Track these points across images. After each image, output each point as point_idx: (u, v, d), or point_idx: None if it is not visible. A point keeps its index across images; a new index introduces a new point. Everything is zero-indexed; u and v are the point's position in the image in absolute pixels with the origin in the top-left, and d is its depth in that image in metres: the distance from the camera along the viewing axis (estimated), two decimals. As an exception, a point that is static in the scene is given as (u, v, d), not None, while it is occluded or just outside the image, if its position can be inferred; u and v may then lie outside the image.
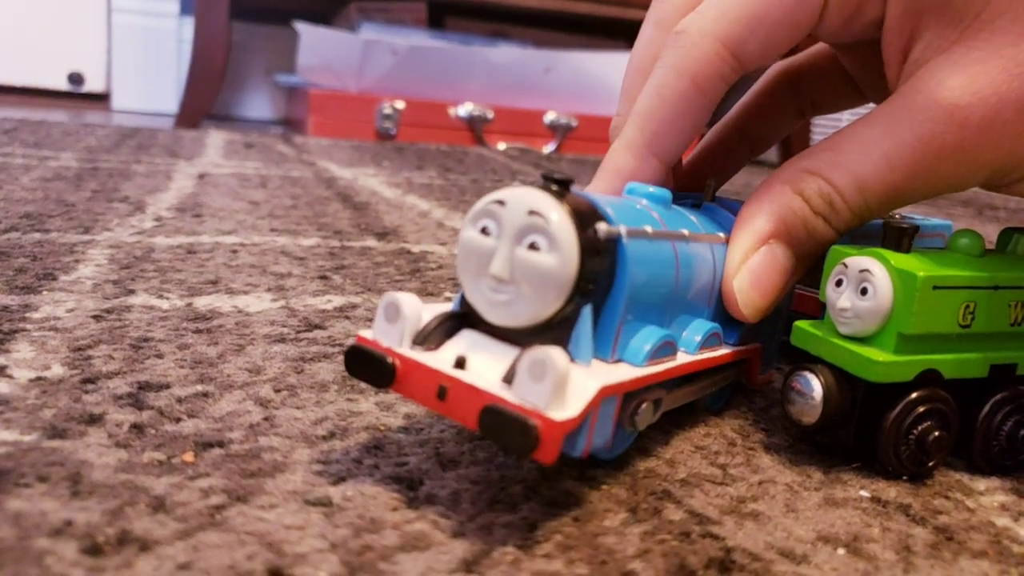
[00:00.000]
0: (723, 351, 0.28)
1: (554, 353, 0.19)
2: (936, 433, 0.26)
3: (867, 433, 0.26)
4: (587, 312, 0.22)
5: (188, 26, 1.63)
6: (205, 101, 1.46)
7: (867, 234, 0.32)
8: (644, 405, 0.24)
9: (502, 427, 0.19)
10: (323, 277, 0.46)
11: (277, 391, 0.29)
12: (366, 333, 0.23)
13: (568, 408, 0.20)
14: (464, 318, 0.23)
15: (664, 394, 0.25)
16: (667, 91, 0.29)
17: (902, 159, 0.26)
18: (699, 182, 0.35)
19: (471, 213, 0.22)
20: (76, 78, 1.70)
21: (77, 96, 1.73)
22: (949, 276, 0.25)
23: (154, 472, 0.22)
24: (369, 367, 0.22)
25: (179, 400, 0.27)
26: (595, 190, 0.29)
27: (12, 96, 1.68)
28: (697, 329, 0.27)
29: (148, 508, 0.20)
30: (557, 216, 0.21)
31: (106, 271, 0.43)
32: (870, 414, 0.26)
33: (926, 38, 0.27)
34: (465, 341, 0.23)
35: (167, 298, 0.39)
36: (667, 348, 0.25)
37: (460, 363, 0.21)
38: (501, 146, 1.52)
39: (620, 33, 1.82)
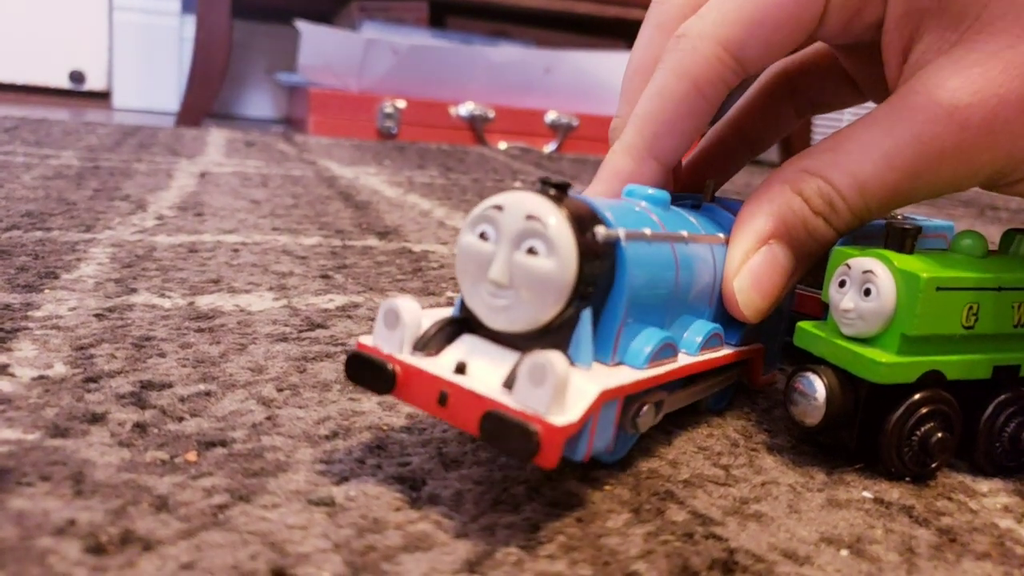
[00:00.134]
0: (725, 352, 0.28)
1: (554, 358, 0.19)
2: (939, 434, 0.25)
3: (870, 434, 0.26)
4: (587, 316, 0.22)
5: (189, 24, 1.63)
6: (206, 100, 1.46)
7: (870, 235, 0.32)
8: (646, 408, 0.24)
9: (503, 433, 0.19)
10: (325, 276, 0.46)
11: (280, 390, 0.29)
12: (366, 339, 0.23)
13: (569, 412, 0.20)
14: (464, 323, 0.23)
15: (665, 396, 0.25)
16: (667, 94, 0.29)
17: (902, 160, 0.26)
18: (699, 182, 0.35)
19: (469, 218, 0.22)
20: (77, 76, 1.70)
21: (78, 94, 1.73)
22: (952, 277, 0.25)
23: (157, 471, 0.22)
24: (370, 374, 0.22)
25: (181, 399, 0.27)
26: (594, 192, 0.29)
27: (13, 94, 1.68)
28: (698, 330, 0.27)
29: (151, 507, 0.20)
30: (555, 220, 0.21)
31: (108, 270, 0.43)
32: (873, 415, 0.26)
33: (926, 40, 0.27)
34: (465, 346, 0.23)
35: (169, 297, 0.39)
36: (668, 350, 0.25)
37: (460, 368, 0.21)
38: (502, 145, 1.52)
39: (621, 33, 1.82)
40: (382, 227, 0.62)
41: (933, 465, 0.26)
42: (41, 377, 0.28)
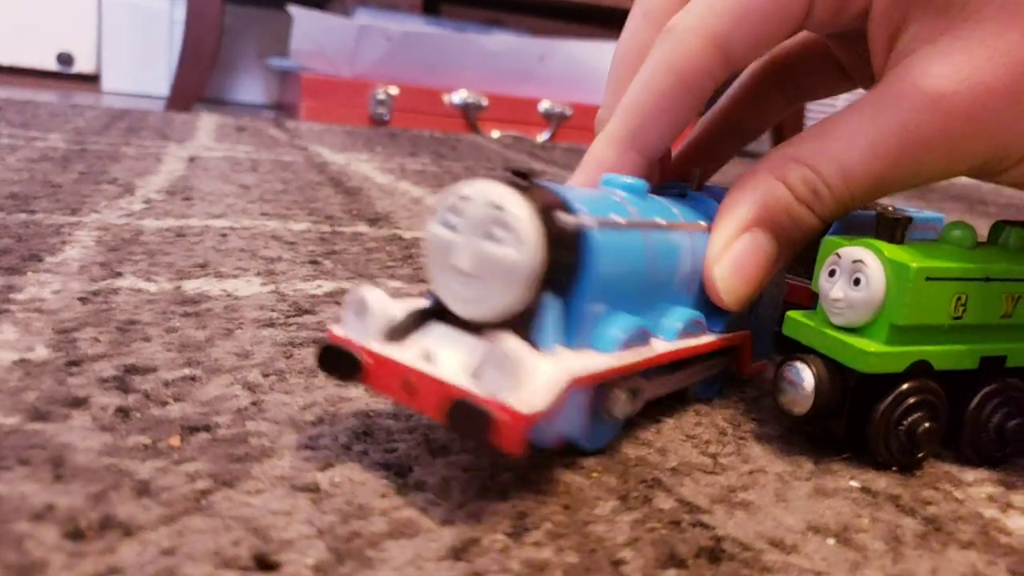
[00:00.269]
0: (707, 339, 0.28)
1: (518, 345, 0.19)
2: (926, 424, 0.25)
3: (858, 424, 0.26)
4: (553, 302, 0.22)
5: (180, 8, 1.61)
6: (197, 84, 1.45)
7: (860, 225, 0.32)
8: (620, 394, 0.24)
9: (468, 420, 0.19)
10: (314, 262, 0.45)
11: (265, 376, 0.29)
12: (337, 329, 0.23)
13: (534, 399, 0.20)
14: (436, 313, 0.23)
15: (643, 383, 0.25)
16: (652, 86, 0.29)
17: (886, 147, 0.26)
18: (690, 172, 0.35)
19: (437, 208, 0.23)
20: (66, 58, 1.69)
21: (66, 77, 1.71)
22: (942, 268, 0.25)
23: (139, 456, 0.22)
24: (339, 362, 0.22)
25: (166, 384, 0.27)
26: (575, 182, 0.29)
27: (0, 75, 1.67)
28: (677, 317, 0.27)
29: (132, 492, 0.20)
30: (517, 208, 0.21)
31: (93, 253, 0.42)
32: (861, 405, 0.26)
33: (913, 28, 0.27)
34: (434, 335, 0.23)
35: (155, 281, 0.39)
36: (640, 336, 0.25)
37: (428, 356, 0.22)
38: (495, 134, 1.52)
39: (615, 22, 1.81)
40: (373, 214, 0.62)
41: (920, 455, 0.26)
42: (22, 360, 0.28)
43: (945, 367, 0.26)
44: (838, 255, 0.26)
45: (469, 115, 1.53)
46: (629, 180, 0.27)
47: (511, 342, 0.19)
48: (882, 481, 0.25)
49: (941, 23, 0.26)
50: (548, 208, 0.22)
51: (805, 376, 0.26)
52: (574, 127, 1.59)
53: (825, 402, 0.26)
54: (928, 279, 0.25)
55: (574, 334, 0.23)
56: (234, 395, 0.27)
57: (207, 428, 0.24)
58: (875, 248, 0.25)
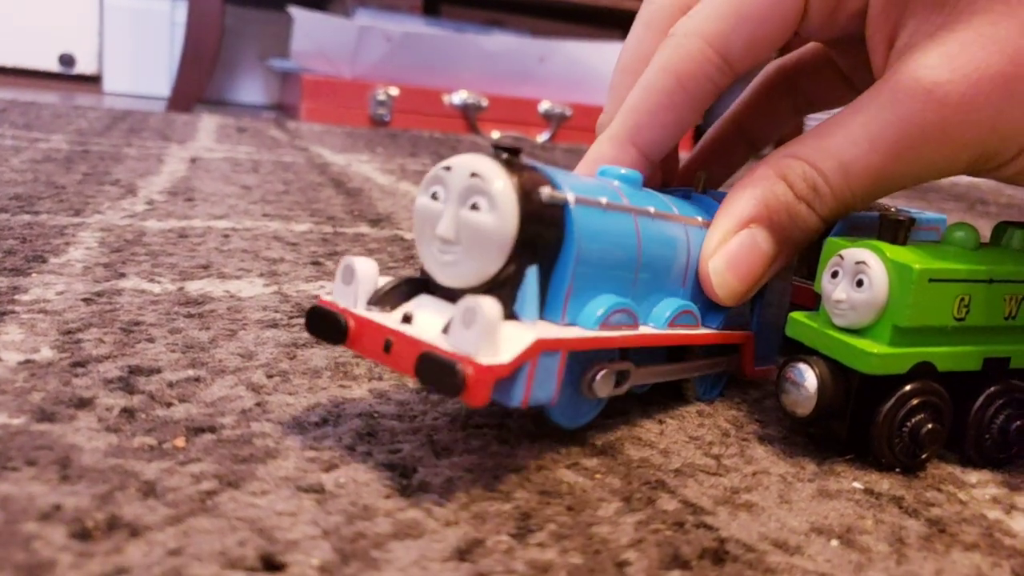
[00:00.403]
0: (700, 331, 0.28)
1: (484, 302, 0.20)
2: (929, 426, 0.25)
3: (861, 425, 0.26)
4: (532, 272, 0.23)
5: (181, 9, 1.62)
6: (198, 85, 1.45)
7: (863, 227, 0.32)
8: (603, 373, 0.25)
9: (434, 372, 0.20)
10: (316, 263, 0.45)
11: (269, 377, 0.29)
12: (327, 295, 0.24)
13: (499, 355, 0.20)
14: (423, 284, 0.24)
15: (632, 367, 0.26)
16: (651, 87, 0.29)
17: (884, 141, 0.26)
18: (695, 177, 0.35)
19: (424, 181, 0.24)
20: (67, 60, 1.69)
21: (68, 78, 1.71)
22: (944, 269, 0.25)
23: (145, 457, 0.22)
24: (325, 326, 0.23)
25: (170, 385, 0.27)
26: None
27: (2, 77, 1.67)
28: (667, 306, 0.27)
29: (138, 493, 0.20)
30: (496, 177, 0.22)
31: (97, 254, 0.42)
32: (864, 406, 0.26)
33: (911, 25, 0.27)
34: (418, 302, 0.24)
35: (158, 282, 0.39)
36: (625, 317, 0.25)
37: (407, 319, 0.23)
38: (495, 134, 1.52)
39: (615, 23, 1.82)
40: (374, 214, 0.62)
41: (923, 456, 0.26)
42: (28, 361, 0.28)
43: (948, 368, 0.26)
44: (841, 256, 0.26)
45: (469, 116, 1.53)
46: (624, 171, 0.27)
47: (477, 299, 0.20)
48: (885, 483, 0.25)
49: (938, 19, 0.26)
50: (528, 180, 0.23)
51: (808, 377, 0.26)
52: (574, 128, 1.59)
53: (828, 403, 0.26)
54: (931, 280, 0.25)
55: (554, 307, 0.24)
56: (238, 396, 0.27)
57: (212, 429, 0.24)
58: (878, 249, 0.25)
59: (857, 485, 0.25)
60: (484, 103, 1.53)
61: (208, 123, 1.16)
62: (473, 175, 0.22)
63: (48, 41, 1.67)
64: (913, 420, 0.26)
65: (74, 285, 0.37)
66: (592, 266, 0.24)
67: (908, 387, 0.25)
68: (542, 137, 1.56)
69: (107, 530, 0.18)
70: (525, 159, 0.23)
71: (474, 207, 0.22)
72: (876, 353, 0.25)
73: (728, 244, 0.28)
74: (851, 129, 0.27)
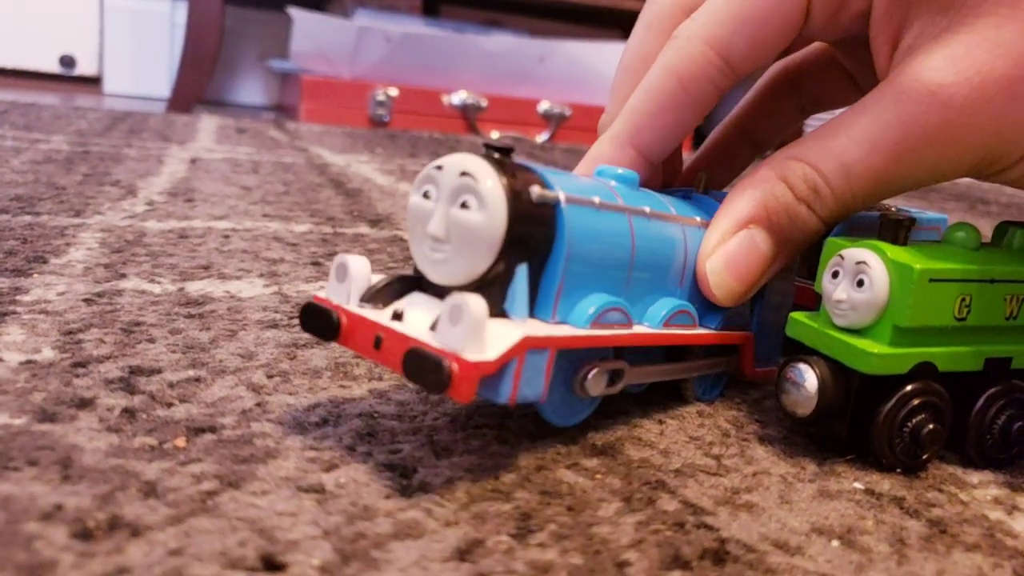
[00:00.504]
0: (696, 331, 0.28)
1: (471, 299, 0.20)
2: (930, 426, 0.25)
3: (861, 425, 0.26)
4: (522, 271, 0.23)
5: (181, 10, 1.62)
6: (197, 86, 1.45)
7: (864, 227, 0.32)
8: (595, 372, 0.25)
9: (420, 368, 0.21)
10: (316, 263, 0.45)
11: (270, 377, 0.29)
12: (320, 292, 0.24)
13: (485, 352, 0.21)
14: (416, 282, 0.24)
15: (625, 366, 0.26)
16: (652, 88, 0.29)
17: (886, 142, 0.26)
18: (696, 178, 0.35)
19: (416, 180, 0.24)
20: (68, 61, 1.69)
21: (69, 79, 1.71)
22: (945, 269, 0.25)
23: (145, 457, 0.22)
24: (319, 322, 0.24)
25: (171, 385, 0.27)
26: None
27: (3, 78, 1.67)
28: (662, 305, 0.27)
29: (139, 493, 0.20)
30: (486, 176, 0.22)
31: (97, 255, 0.42)
32: (864, 406, 0.26)
33: (916, 27, 0.27)
34: (409, 300, 0.24)
35: (159, 282, 0.39)
36: (617, 316, 0.25)
37: (397, 316, 0.23)
38: (494, 135, 1.52)
39: (615, 23, 1.82)
40: (373, 215, 0.62)
41: (924, 457, 0.26)
42: (29, 362, 0.28)
43: (949, 369, 0.26)
44: (841, 256, 0.26)
45: (468, 116, 1.53)
46: (621, 171, 0.27)
47: (464, 296, 0.20)
48: (886, 483, 0.25)
49: (942, 21, 0.26)
50: (519, 179, 0.23)
51: (808, 377, 0.26)
52: (573, 128, 1.59)
53: (828, 404, 0.26)
54: (932, 280, 0.25)
55: (545, 305, 0.24)
56: (239, 396, 0.27)
57: (212, 429, 0.24)
58: (878, 249, 0.25)
59: (858, 485, 0.25)
60: (483, 103, 1.53)
61: (208, 124, 1.16)
62: (463, 174, 0.22)
63: (48, 42, 1.67)
64: (914, 420, 0.26)
65: (75, 286, 0.37)
66: (583, 265, 0.24)
67: (909, 387, 0.25)
68: (541, 137, 1.56)
69: (108, 530, 0.19)
70: (518, 159, 0.24)
71: (464, 206, 0.22)
72: (877, 353, 0.25)
73: (726, 244, 0.28)
74: (853, 130, 0.27)
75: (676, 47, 0.29)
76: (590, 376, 0.25)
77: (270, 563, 0.18)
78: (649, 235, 0.26)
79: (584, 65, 1.59)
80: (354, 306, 0.23)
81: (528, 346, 0.22)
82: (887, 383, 0.25)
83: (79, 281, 0.37)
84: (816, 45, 0.37)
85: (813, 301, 0.34)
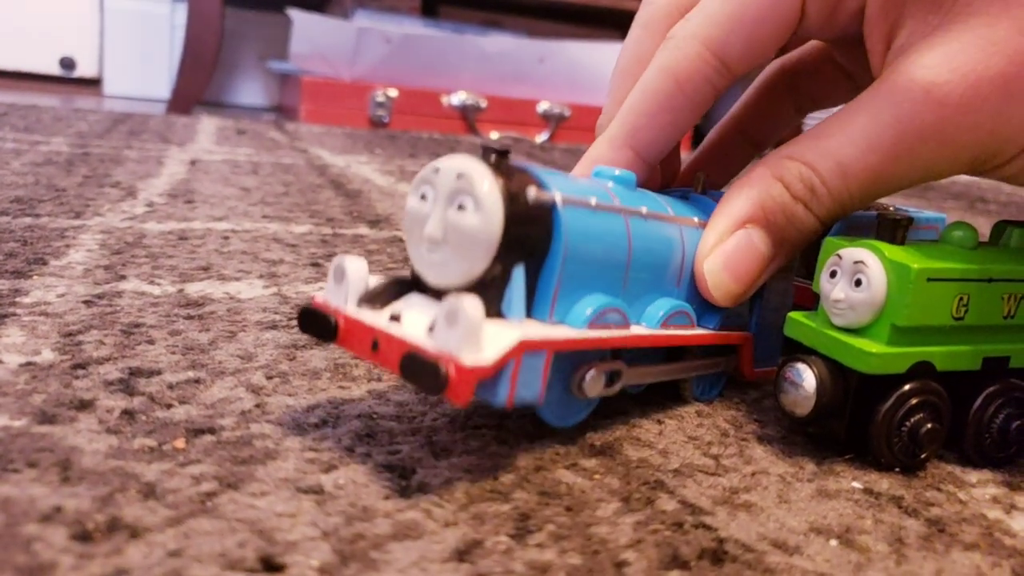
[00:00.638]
0: (696, 332, 0.28)
1: (467, 301, 0.20)
2: (929, 425, 0.26)
3: (860, 425, 0.26)
4: (519, 272, 0.23)
5: (181, 12, 1.62)
6: (197, 87, 1.45)
7: (861, 227, 0.32)
8: (592, 373, 0.25)
9: (417, 370, 0.21)
10: (315, 264, 0.45)
11: (269, 378, 0.29)
12: (319, 295, 0.24)
13: (482, 354, 0.21)
14: (414, 283, 0.24)
15: (623, 367, 0.26)
16: (648, 89, 0.29)
17: (882, 141, 0.26)
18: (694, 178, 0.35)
19: (413, 182, 0.24)
20: (68, 63, 1.69)
21: (69, 81, 1.72)
22: (943, 268, 0.25)
23: (145, 458, 0.22)
24: (317, 324, 0.24)
25: (170, 386, 0.27)
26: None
27: (3, 80, 1.67)
28: (660, 306, 0.27)
29: (139, 495, 0.20)
30: (482, 178, 0.22)
31: (97, 256, 0.42)
32: (863, 406, 0.26)
33: (909, 25, 0.27)
34: (407, 302, 0.24)
35: (158, 284, 0.39)
36: (614, 316, 0.25)
37: (395, 318, 0.23)
38: (494, 135, 1.52)
39: (614, 23, 1.82)
40: (373, 216, 0.62)
41: (922, 456, 0.26)
42: (29, 363, 0.28)
43: (947, 368, 0.26)
44: (839, 256, 0.26)
45: (468, 116, 1.53)
46: (618, 172, 0.27)
47: (460, 298, 0.21)
48: (885, 482, 0.25)
49: (935, 19, 0.26)
50: (515, 182, 0.23)
51: (807, 377, 0.26)
52: (573, 128, 1.59)
53: (827, 403, 0.26)
54: (929, 280, 0.25)
55: (542, 306, 0.24)
56: (238, 397, 0.27)
57: (212, 431, 0.24)
58: (876, 249, 0.25)
59: (856, 485, 0.25)
60: (483, 104, 1.53)
61: (208, 125, 1.16)
62: (460, 176, 0.22)
63: (48, 44, 1.67)
64: (912, 420, 0.26)
65: (75, 287, 0.37)
66: (580, 266, 0.24)
67: (907, 387, 0.26)
68: (541, 137, 1.56)
69: (107, 532, 0.19)
70: (515, 160, 0.24)
71: (460, 208, 0.22)
72: (875, 353, 0.25)
73: (724, 244, 0.28)
74: (849, 130, 0.27)
75: (672, 47, 0.29)
76: (588, 377, 0.25)
77: (269, 564, 0.18)
78: (646, 236, 0.27)
79: (583, 66, 1.59)
80: (352, 308, 0.23)
81: (525, 348, 0.22)
82: (885, 382, 0.25)
83: (79, 283, 0.37)
84: (813, 44, 0.37)
85: (811, 301, 0.34)
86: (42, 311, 0.33)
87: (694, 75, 0.29)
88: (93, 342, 0.30)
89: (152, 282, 0.39)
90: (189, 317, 0.34)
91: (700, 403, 0.31)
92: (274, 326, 0.34)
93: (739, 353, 0.31)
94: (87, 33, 1.69)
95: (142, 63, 1.71)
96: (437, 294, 0.23)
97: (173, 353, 0.30)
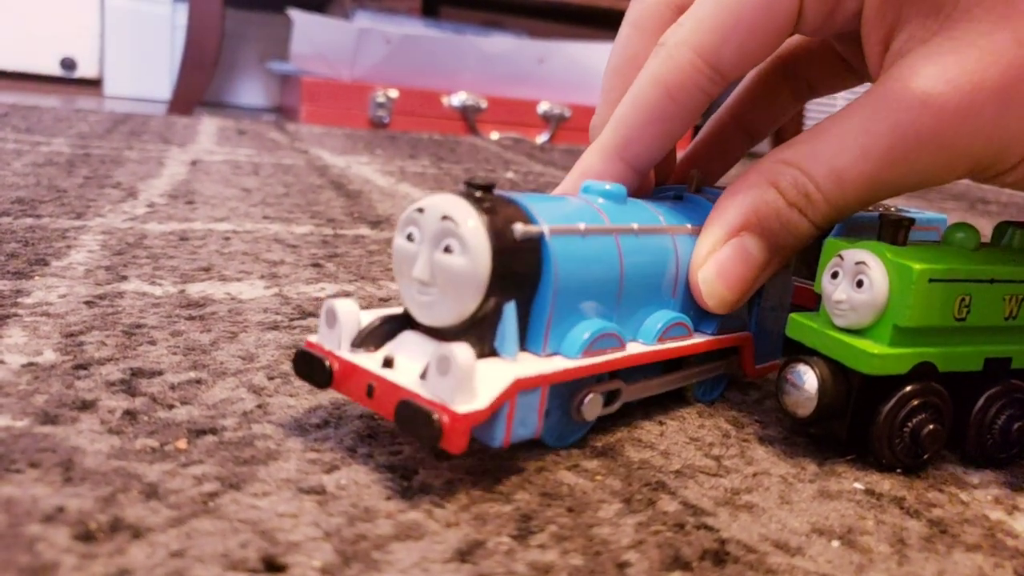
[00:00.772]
0: (694, 341, 0.28)
1: (458, 350, 0.20)
2: (930, 426, 0.26)
3: (861, 425, 0.26)
4: (510, 308, 0.23)
5: (181, 12, 1.62)
6: (198, 88, 1.45)
7: (863, 227, 0.32)
8: (590, 396, 0.25)
9: (412, 420, 0.21)
10: (316, 265, 0.45)
11: (270, 379, 0.29)
12: (313, 338, 0.24)
13: (475, 401, 0.21)
14: (406, 320, 0.24)
15: (622, 385, 0.26)
16: (640, 100, 0.29)
17: (878, 148, 0.26)
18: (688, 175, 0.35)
19: (399, 221, 0.24)
20: (69, 63, 1.69)
21: (69, 81, 1.72)
22: (945, 269, 0.25)
23: (147, 459, 0.22)
24: (311, 369, 0.24)
25: (172, 387, 0.27)
26: (562, 189, 0.30)
27: (4, 81, 1.67)
28: (657, 319, 0.27)
29: (141, 495, 0.20)
30: (466, 219, 0.22)
31: (98, 257, 0.42)
32: (865, 406, 0.26)
33: (907, 29, 0.27)
34: (400, 342, 0.24)
35: (160, 284, 0.39)
36: (609, 340, 0.25)
37: (388, 362, 0.23)
38: (494, 135, 1.52)
39: (613, 24, 1.81)
40: (374, 216, 0.62)
41: (924, 457, 0.26)
42: (31, 364, 0.28)
43: (949, 369, 0.26)
44: (841, 257, 0.26)
45: (468, 117, 1.53)
46: (608, 186, 0.27)
47: (451, 346, 0.21)
48: (886, 483, 0.25)
49: (933, 24, 0.26)
50: (501, 218, 0.23)
51: (808, 378, 0.26)
52: (573, 128, 1.59)
53: (829, 404, 0.26)
54: (931, 281, 0.25)
55: (535, 338, 0.24)
56: (240, 398, 0.27)
57: (214, 431, 0.24)
58: (878, 250, 0.25)
59: (858, 486, 0.25)
60: (483, 104, 1.53)
61: (208, 126, 1.16)
62: (444, 217, 0.22)
63: (49, 45, 1.67)
64: (914, 420, 0.26)
65: (76, 288, 0.37)
66: (572, 293, 0.24)
67: (909, 387, 0.26)
68: (541, 138, 1.56)
69: (110, 532, 0.19)
70: (501, 192, 0.24)
71: (447, 249, 0.22)
72: (877, 354, 0.25)
73: (718, 253, 0.28)
74: (844, 136, 0.26)
75: (664, 56, 0.28)
76: (586, 401, 0.25)
77: (271, 564, 0.18)
78: (638, 251, 0.26)
79: (583, 66, 1.59)
80: (346, 352, 0.23)
81: (519, 388, 0.22)
82: (887, 383, 0.25)
83: (80, 283, 0.37)
84: None
85: (813, 301, 0.34)
86: (44, 312, 0.33)
87: (686, 83, 0.28)
88: (95, 343, 0.30)
89: (153, 283, 0.39)
90: (190, 318, 0.34)
91: (701, 404, 0.31)
92: (275, 327, 0.34)
93: (740, 353, 0.31)
94: (88, 34, 1.69)
95: (143, 64, 1.71)
96: (431, 331, 0.24)
97: (175, 354, 0.30)
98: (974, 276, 0.26)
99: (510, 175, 0.94)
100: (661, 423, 0.28)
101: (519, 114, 1.57)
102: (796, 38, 0.36)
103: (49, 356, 0.29)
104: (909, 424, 0.26)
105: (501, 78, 1.56)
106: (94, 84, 1.73)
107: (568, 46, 1.60)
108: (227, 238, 0.50)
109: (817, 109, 1.63)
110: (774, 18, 0.28)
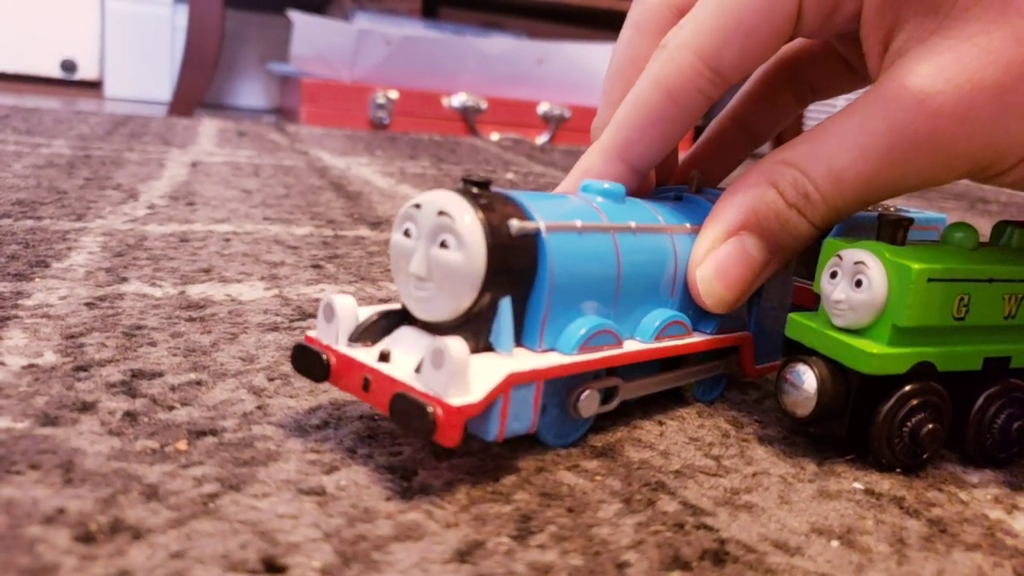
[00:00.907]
0: (692, 340, 0.28)
1: (452, 343, 0.21)
2: (930, 426, 0.26)
3: (861, 425, 0.26)
4: (506, 304, 0.23)
5: (182, 14, 1.62)
6: (198, 89, 1.45)
7: (862, 227, 0.32)
8: (587, 394, 0.25)
9: (406, 412, 0.21)
10: (316, 266, 0.45)
11: (271, 380, 0.29)
12: (312, 332, 0.24)
13: (469, 394, 0.21)
14: (403, 315, 0.25)
15: (619, 383, 0.26)
16: (641, 101, 0.29)
17: (876, 149, 0.26)
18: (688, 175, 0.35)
19: (397, 218, 0.24)
20: (69, 65, 1.69)
21: (70, 83, 1.72)
22: (944, 269, 0.25)
23: (147, 460, 0.22)
24: (309, 363, 0.24)
25: (172, 388, 0.27)
26: (562, 189, 0.30)
27: (4, 83, 1.67)
28: (654, 318, 0.27)
29: (141, 496, 0.20)
30: (463, 215, 0.22)
31: (99, 259, 0.42)
32: (864, 406, 0.26)
33: (907, 29, 0.27)
34: (397, 336, 0.24)
35: (160, 286, 0.39)
36: (605, 337, 0.25)
37: (384, 356, 0.23)
38: (494, 136, 1.52)
39: (613, 25, 1.82)
40: (374, 217, 0.62)
41: (923, 456, 0.26)
42: (31, 366, 0.28)
43: (948, 368, 0.26)
44: (839, 257, 0.26)
45: (468, 118, 1.53)
46: (606, 185, 0.27)
47: (446, 340, 0.21)
48: (886, 483, 0.25)
49: (932, 23, 0.26)
50: (497, 214, 0.23)
51: (807, 378, 0.26)
52: (573, 129, 1.59)
53: (828, 404, 0.26)
54: (930, 280, 0.25)
55: (531, 334, 0.24)
56: (240, 399, 0.27)
57: (214, 432, 0.24)
58: (877, 250, 0.25)
59: (857, 485, 0.25)
60: (483, 105, 1.53)
61: (209, 127, 1.16)
62: (441, 213, 0.23)
63: (50, 47, 1.67)
64: (913, 420, 0.26)
65: (76, 290, 0.37)
66: (568, 290, 0.24)
67: (908, 387, 0.26)
68: (541, 139, 1.56)
69: (110, 533, 0.19)
70: (498, 189, 0.24)
71: (443, 245, 0.23)
72: (876, 353, 0.25)
73: (716, 252, 0.28)
74: (843, 136, 0.26)
75: (665, 58, 0.29)
76: (582, 398, 0.25)
77: (271, 565, 0.18)
78: (636, 250, 0.27)
79: (583, 67, 1.59)
80: (343, 346, 0.24)
81: (513, 382, 0.22)
82: (886, 383, 0.25)
83: (81, 285, 0.38)
84: None
85: (812, 301, 0.34)
86: (44, 313, 0.33)
87: (687, 86, 0.28)
88: (95, 344, 0.30)
89: (154, 284, 0.39)
90: (191, 319, 0.34)
91: (701, 404, 0.31)
92: (275, 328, 0.34)
93: (740, 352, 0.31)
94: (88, 35, 1.69)
95: (143, 65, 1.72)
96: (427, 326, 0.24)
97: (175, 355, 0.30)
98: (973, 276, 0.26)
99: (510, 176, 0.94)
100: (661, 423, 0.28)
101: (519, 115, 1.57)
102: (798, 41, 0.37)
103: (49, 358, 0.29)
104: (908, 424, 0.26)
105: (501, 79, 1.56)
106: (94, 86, 1.73)
107: (568, 47, 1.60)
108: (227, 239, 0.50)
109: (817, 110, 1.63)
110: (774, 20, 0.28)
